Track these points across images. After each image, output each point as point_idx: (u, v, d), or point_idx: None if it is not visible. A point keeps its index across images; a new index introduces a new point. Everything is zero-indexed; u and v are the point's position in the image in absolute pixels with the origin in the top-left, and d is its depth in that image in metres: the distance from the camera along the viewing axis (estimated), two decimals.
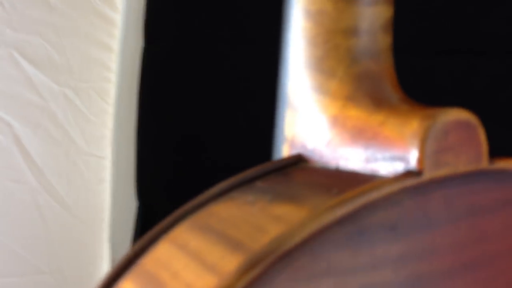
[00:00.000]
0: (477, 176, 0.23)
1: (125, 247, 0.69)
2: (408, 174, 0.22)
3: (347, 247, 0.20)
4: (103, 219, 0.65)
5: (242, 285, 0.18)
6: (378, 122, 0.23)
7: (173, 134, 0.66)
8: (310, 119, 0.25)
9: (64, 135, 0.61)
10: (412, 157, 0.22)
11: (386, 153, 0.23)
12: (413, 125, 0.22)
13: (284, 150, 0.27)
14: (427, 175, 0.22)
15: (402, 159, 0.22)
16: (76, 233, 0.65)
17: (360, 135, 0.23)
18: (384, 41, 0.25)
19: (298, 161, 0.25)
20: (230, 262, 0.19)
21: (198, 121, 0.66)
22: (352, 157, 0.24)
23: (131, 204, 0.67)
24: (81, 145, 0.62)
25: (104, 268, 0.67)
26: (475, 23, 0.60)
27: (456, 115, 0.22)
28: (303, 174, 0.24)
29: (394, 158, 0.22)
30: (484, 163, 0.23)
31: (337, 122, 0.24)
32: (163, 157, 0.67)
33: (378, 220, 0.21)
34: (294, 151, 0.26)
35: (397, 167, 0.22)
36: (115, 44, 0.62)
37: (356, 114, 0.24)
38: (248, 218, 0.21)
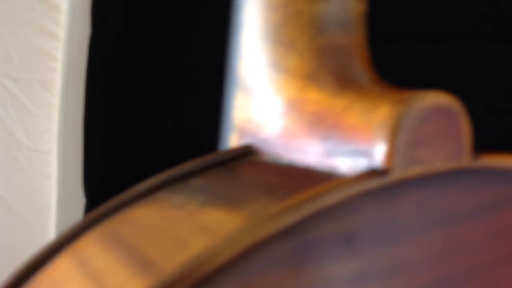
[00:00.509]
0: (457, 175, 0.18)
1: None
2: (371, 173, 0.17)
3: (290, 266, 0.15)
4: (49, 219, 0.61)
5: None
6: (341, 107, 0.18)
7: (123, 127, 0.63)
8: (264, 103, 0.20)
9: (3, 129, 0.57)
10: (378, 152, 0.17)
11: (348, 146, 0.18)
12: (381, 112, 0.17)
13: (232, 140, 0.22)
14: (396, 175, 0.17)
15: (366, 154, 0.17)
16: (18, 233, 0.61)
17: (319, 123, 0.19)
18: (357, 7, 0.20)
19: (247, 153, 0.20)
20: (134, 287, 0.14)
21: (149, 113, 0.62)
22: (309, 150, 0.19)
23: (78, 202, 0.63)
24: (22, 139, 0.58)
25: None
26: (431, 7, 0.58)
27: (436, 100, 0.17)
28: (250, 170, 0.19)
29: (356, 153, 0.18)
30: (466, 160, 0.18)
31: (294, 106, 0.19)
32: (112, 152, 0.63)
33: (330, 232, 0.16)
34: (243, 141, 0.21)
35: (360, 164, 0.17)
36: (61, 31, 0.58)
37: (317, 97, 0.19)
38: (169, 228, 0.16)
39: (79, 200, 0.63)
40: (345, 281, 0.16)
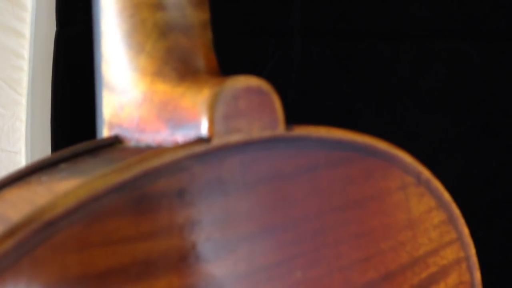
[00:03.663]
0: (274, 142, 0.21)
1: None
2: (197, 141, 0.20)
3: (127, 216, 0.18)
4: None
5: None
6: (179, 94, 0.21)
7: (91, 125, 0.60)
8: (124, 98, 0.23)
9: None
10: (203, 125, 0.20)
11: (184, 123, 0.21)
12: (204, 93, 0.20)
13: (104, 133, 0.25)
14: (218, 141, 0.20)
15: (195, 127, 0.20)
16: None
17: (164, 108, 0.22)
18: (195, 16, 0.24)
19: (115, 142, 0.23)
20: None
21: None
22: (159, 132, 0.22)
23: None
24: None
25: None
26: (397, 6, 0.58)
27: (246, 81, 0.21)
28: (112, 153, 0.22)
29: (189, 127, 0.21)
30: (281, 129, 0.21)
31: (146, 98, 0.22)
32: None
33: (162, 187, 0.19)
34: (112, 133, 0.24)
35: (191, 136, 0.20)
36: (26, 29, 0.55)
37: (163, 89, 0.22)
38: (29, 197, 0.19)
39: None
40: (179, 226, 0.19)
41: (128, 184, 0.18)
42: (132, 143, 0.23)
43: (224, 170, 0.20)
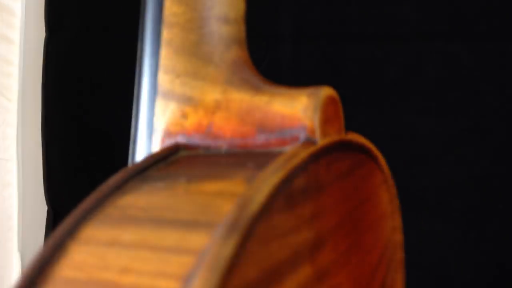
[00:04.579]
0: (339, 145, 0.24)
1: None
2: (308, 142, 0.22)
3: (285, 211, 0.20)
4: (11, 227, 0.52)
5: (236, 243, 0.16)
6: (265, 102, 0.23)
7: (82, 132, 0.55)
8: (188, 106, 0.23)
9: None
10: (308, 128, 0.22)
11: (280, 127, 0.23)
12: (303, 100, 0.22)
13: (154, 142, 0.24)
14: (321, 143, 0.22)
15: (295, 131, 0.22)
16: None
17: (249, 115, 0.23)
18: (244, 31, 0.25)
19: (178, 150, 0.23)
20: (196, 239, 0.16)
21: (108, 116, 0.55)
22: (246, 136, 0.23)
23: (41, 210, 0.54)
24: None
25: (14, 281, 0.53)
26: (387, 8, 0.56)
27: (329, 91, 0.23)
28: (193, 160, 0.22)
29: (288, 131, 0.22)
30: (343, 134, 0.24)
31: (220, 106, 0.23)
32: (73, 157, 0.55)
33: (297, 185, 0.21)
34: (168, 142, 0.24)
35: (289, 138, 0.22)
36: (16, 35, 0.52)
37: (239, 97, 0.23)
38: (179, 202, 0.19)
39: (42, 208, 0.55)
40: (307, 219, 0.21)
41: (282, 183, 0.19)
42: (200, 151, 0.23)
43: (320, 169, 0.22)
